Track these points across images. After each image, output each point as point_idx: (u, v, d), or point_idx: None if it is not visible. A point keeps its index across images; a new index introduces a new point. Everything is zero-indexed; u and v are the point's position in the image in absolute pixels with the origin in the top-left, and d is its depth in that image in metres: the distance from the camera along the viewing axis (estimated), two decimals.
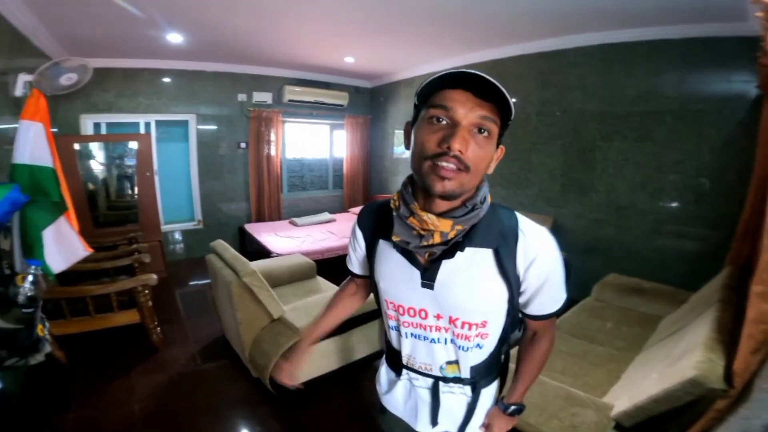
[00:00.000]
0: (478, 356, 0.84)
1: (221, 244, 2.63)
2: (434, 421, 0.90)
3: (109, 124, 4.41)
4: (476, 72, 0.62)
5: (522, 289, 0.78)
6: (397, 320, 0.86)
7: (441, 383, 0.87)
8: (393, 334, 0.90)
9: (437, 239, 0.72)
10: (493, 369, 0.89)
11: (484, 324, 0.79)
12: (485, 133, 0.67)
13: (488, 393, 0.91)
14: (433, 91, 0.69)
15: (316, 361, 2.29)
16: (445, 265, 0.75)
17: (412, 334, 0.85)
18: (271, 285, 2.40)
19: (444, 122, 0.67)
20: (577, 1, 2.58)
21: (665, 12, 2.61)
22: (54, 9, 2.75)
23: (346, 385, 2.43)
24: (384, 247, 0.84)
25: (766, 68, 1.86)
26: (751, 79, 2.56)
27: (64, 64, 2.70)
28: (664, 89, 3.01)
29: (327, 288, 3.10)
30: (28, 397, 1.89)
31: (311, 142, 5.89)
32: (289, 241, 4.25)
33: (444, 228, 0.71)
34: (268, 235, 4.46)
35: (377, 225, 0.86)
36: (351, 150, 5.95)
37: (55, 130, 3.89)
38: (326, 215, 5.35)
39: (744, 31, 2.50)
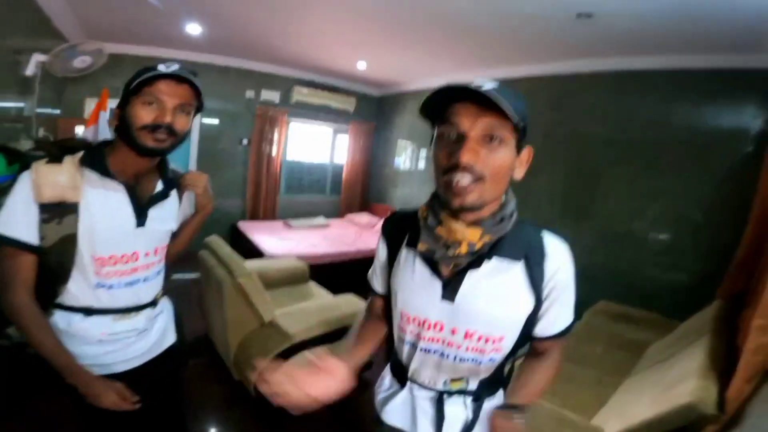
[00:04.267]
0: (488, 369, 0.84)
1: (216, 241, 2.56)
2: None
3: (112, 110, 4.38)
4: (467, 85, 0.64)
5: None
6: (410, 333, 0.84)
7: (445, 396, 0.86)
8: (404, 348, 0.88)
9: (464, 249, 0.72)
10: (498, 381, 0.89)
11: (501, 338, 0.78)
12: (497, 141, 0.67)
13: (491, 405, 0.89)
14: (441, 107, 0.70)
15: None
16: (470, 276, 0.75)
17: (422, 348, 0.83)
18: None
19: (453, 137, 0.68)
20: (601, 27, 2.60)
21: (690, 40, 2.60)
22: None
23: None
24: (406, 257, 0.84)
25: None
26: (760, 114, 2.61)
27: (80, 47, 2.69)
28: (673, 119, 3.03)
29: (320, 294, 3.02)
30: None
31: (313, 145, 5.89)
32: (282, 242, 4.22)
33: (472, 238, 0.72)
34: (261, 234, 4.42)
35: (400, 234, 0.86)
36: (352, 156, 5.96)
37: (58, 111, 3.87)
38: (322, 219, 5.33)
39: (763, 64, 2.52)
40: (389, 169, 5.90)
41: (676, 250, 3.05)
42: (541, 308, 0.78)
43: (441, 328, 0.79)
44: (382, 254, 0.91)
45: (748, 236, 2.16)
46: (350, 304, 2.46)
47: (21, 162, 0.95)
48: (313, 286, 3.17)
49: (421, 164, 5.25)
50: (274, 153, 5.21)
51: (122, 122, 0.95)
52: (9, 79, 2.54)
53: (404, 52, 3.90)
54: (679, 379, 1.33)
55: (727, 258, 2.43)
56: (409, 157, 5.48)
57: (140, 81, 0.90)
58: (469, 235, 0.71)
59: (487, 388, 0.87)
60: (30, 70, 2.61)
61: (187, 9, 3.10)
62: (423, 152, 5.21)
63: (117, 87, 3.98)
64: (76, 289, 0.97)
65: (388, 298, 0.92)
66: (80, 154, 0.96)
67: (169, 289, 1.23)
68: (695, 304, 2.30)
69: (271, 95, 5.12)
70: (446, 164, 0.68)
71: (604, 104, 3.44)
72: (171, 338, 1.25)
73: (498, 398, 0.91)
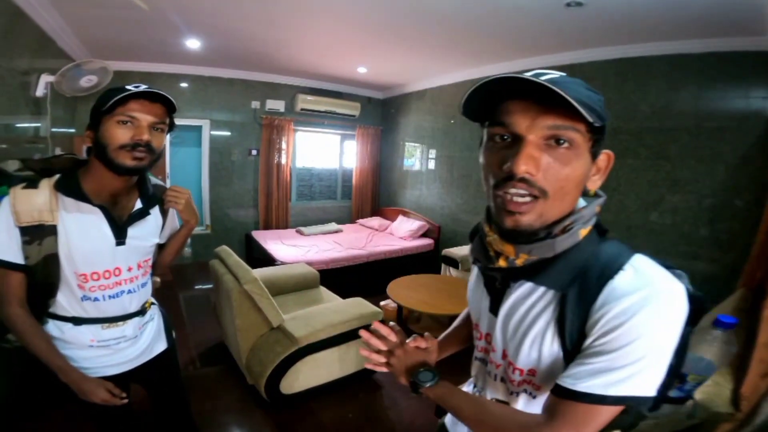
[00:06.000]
0: (529, 406, 0.67)
1: (225, 250, 2.64)
2: None
3: None
4: (522, 76, 0.51)
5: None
6: (474, 338, 0.80)
7: None
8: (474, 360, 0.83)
9: (502, 263, 0.63)
10: None
11: (532, 372, 0.64)
12: (565, 145, 0.54)
13: None
14: (491, 103, 0.58)
15: (313, 371, 2.26)
16: (509, 294, 0.66)
17: (475, 357, 0.80)
18: (273, 293, 2.39)
19: (507, 140, 0.56)
20: (592, 15, 2.56)
21: (684, 25, 2.56)
22: (80, 10, 2.81)
23: (342, 397, 2.38)
24: (474, 267, 0.79)
25: None
26: None
27: (85, 66, 2.76)
28: (680, 106, 2.95)
29: (330, 298, 3.05)
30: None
31: (321, 151, 5.93)
32: (294, 249, 4.25)
33: (509, 253, 0.61)
34: (274, 242, 4.47)
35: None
36: (361, 161, 5.97)
37: (73, 131, 4.00)
38: (333, 225, 5.35)
39: (764, 46, 2.44)
40: (398, 171, 5.88)
41: (695, 239, 2.93)
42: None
43: (490, 341, 0.72)
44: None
45: (766, 222, 2.06)
46: (357, 307, 2.47)
47: (9, 183, 0.97)
48: (323, 291, 3.19)
49: (431, 164, 5.21)
50: (283, 161, 5.27)
51: (96, 143, 0.96)
52: (20, 101, 2.63)
53: (401, 54, 3.90)
54: None
55: (749, 246, 2.33)
56: (418, 159, 5.45)
57: (113, 101, 0.91)
58: (506, 250, 0.61)
59: None
60: (39, 91, 2.70)
61: (185, 24, 3.15)
62: (432, 152, 5.17)
63: None
64: (65, 302, 1.04)
65: None
66: (56, 177, 0.99)
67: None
68: (720, 296, 2.20)
69: (276, 104, 5.18)
70: (498, 174, 0.56)
71: (607, 93, 3.29)
72: (162, 345, 1.29)
73: None
